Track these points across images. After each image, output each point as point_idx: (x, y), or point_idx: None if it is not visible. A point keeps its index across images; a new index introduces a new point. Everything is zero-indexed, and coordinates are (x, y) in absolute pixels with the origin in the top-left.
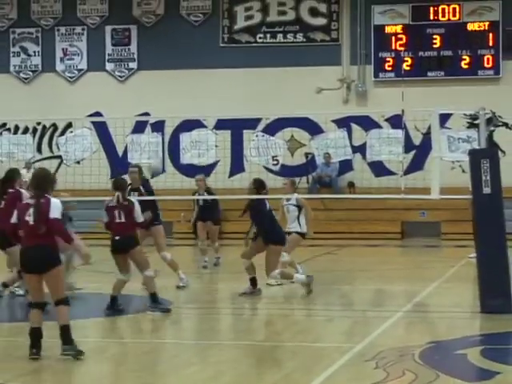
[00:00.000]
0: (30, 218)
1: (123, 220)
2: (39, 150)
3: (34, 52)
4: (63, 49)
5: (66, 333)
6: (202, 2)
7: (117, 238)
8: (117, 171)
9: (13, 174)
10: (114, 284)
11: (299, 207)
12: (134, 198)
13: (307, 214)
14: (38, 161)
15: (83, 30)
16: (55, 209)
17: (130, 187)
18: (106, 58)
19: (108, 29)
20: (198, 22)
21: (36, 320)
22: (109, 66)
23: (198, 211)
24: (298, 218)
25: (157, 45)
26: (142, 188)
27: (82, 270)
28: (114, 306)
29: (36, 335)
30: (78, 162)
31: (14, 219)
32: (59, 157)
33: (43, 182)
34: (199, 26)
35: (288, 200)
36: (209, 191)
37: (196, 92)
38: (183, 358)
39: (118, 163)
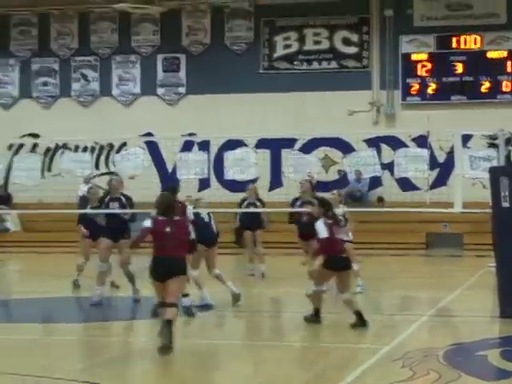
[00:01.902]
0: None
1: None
2: (97, 166)
3: (93, 78)
4: (119, 75)
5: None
6: (245, 32)
7: None
8: (167, 186)
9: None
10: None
11: (346, 218)
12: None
13: (351, 224)
14: (95, 176)
15: (137, 58)
16: None
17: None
18: (158, 83)
19: (159, 57)
20: (241, 50)
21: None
22: (160, 91)
23: (243, 219)
24: None
25: (203, 71)
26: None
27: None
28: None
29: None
30: (132, 178)
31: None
32: (115, 173)
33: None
34: (242, 54)
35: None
36: (259, 200)
37: (238, 114)
38: (223, 357)
39: (168, 179)
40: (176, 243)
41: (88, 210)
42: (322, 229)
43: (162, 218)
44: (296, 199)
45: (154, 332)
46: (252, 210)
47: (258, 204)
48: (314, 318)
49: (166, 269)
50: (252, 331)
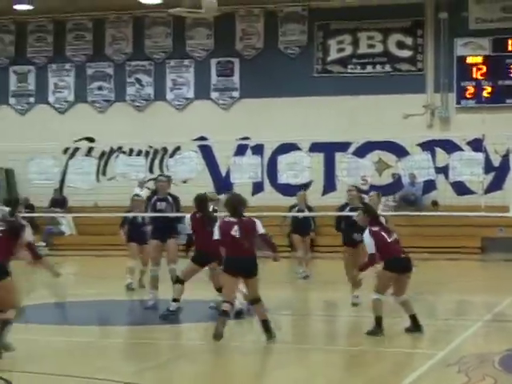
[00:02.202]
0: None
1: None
2: (151, 170)
3: (147, 83)
4: (173, 80)
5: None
6: (298, 36)
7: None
8: (220, 189)
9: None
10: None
11: (386, 221)
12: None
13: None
14: (149, 180)
15: (191, 62)
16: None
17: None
18: (211, 87)
19: (213, 61)
20: (294, 54)
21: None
22: (213, 95)
23: (293, 224)
24: None
25: (257, 75)
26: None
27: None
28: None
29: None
30: (185, 182)
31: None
32: (169, 177)
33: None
34: (295, 58)
35: None
36: (308, 206)
37: (292, 118)
38: (277, 360)
39: (221, 183)
40: (248, 243)
41: (130, 214)
42: (369, 244)
43: (230, 219)
44: (345, 205)
45: (205, 334)
46: (296, 213)
47: (306, 210)
48: (378, 329)
49: (246, 268)
50: (306, 335)
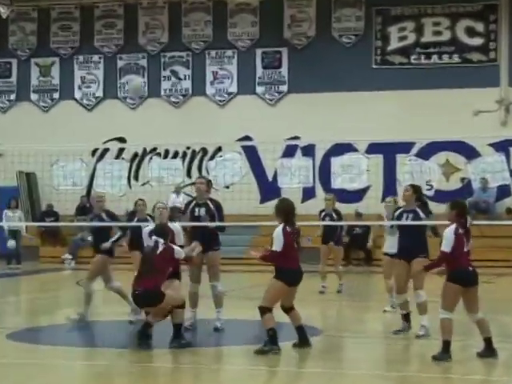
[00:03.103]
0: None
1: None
2: (189, 174)
3: (185, 76)
4: (213, 72)
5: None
6: (355, 23)
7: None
8: (267, 195)
9: None
10: None
11: None
12: None
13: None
14: (187, 185)
15: (233, 53)
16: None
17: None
18: (257, 81)
19: (258, 52)
20: (350, 43)
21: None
22: (259, 89)
23: (322, 233)
24: None
25: (308, 67)
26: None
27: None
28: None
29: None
30: (228, 187)
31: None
32: (209, 180)
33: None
34: (351, 47)
35: None
36: (336, 212)
37: (347, 115)
38: None
39: (268, 187)
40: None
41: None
42: (448, 240)
43: (289, 228)
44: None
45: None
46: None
47: (335, 216)
48: (445, 353)
49: (300, 279)
50: (363, 359)
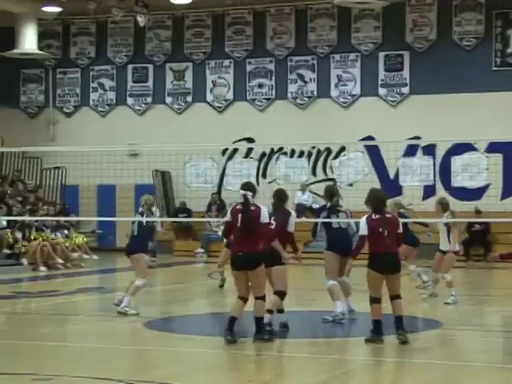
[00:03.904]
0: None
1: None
2: (314, 172)
3: (310, 79)
4: (337, 75)
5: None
6: (475, 26)
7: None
8: (388, 193)
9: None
10: None
11: (449, 227)
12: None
13: (455, 234)
14: (312, 183)
15: (357, 56)
16: None
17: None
18: (379, 83)
19: (381, 55)
20: (470, 46)
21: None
22: (381, 91)
23: None
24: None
25: (428, 70)
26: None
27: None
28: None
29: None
30: (351, 185)
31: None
32: (333, 179)
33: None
34: (471, 50)
35: None
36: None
37: (467, 116)
38: (452, 379)
39: (389, 186)
40: (392, 240)
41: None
42: None
43: (375, 216)
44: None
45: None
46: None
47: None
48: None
49: (391, 264)
50: (487, 352)
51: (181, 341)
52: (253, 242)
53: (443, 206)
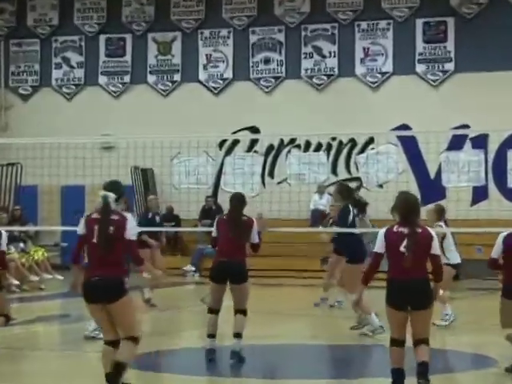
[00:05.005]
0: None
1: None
2: (334, 170)
3: (330, 53)
4: (364, 48)
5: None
6: None
7: None
8: (428, 197)
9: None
10: None
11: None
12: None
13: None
14: (332, 184)
15: (388, 24)
16: None
17: None
18: (416, 58)
19: (419, 22)
20: None
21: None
22: (419, 68)
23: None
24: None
25: (479, 41)
26: None
27: None
28: None
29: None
30: (381, 186)
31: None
32: (358, 179)
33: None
34: None
35: None
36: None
37: None
38: None
39: (429, 187)
40: (418, 262)
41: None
42: None
43: (398, 229)
44: None
45: None
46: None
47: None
48: None
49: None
50: None
51: (169, 382)
52: (114, 263)
53: (441, 215)
